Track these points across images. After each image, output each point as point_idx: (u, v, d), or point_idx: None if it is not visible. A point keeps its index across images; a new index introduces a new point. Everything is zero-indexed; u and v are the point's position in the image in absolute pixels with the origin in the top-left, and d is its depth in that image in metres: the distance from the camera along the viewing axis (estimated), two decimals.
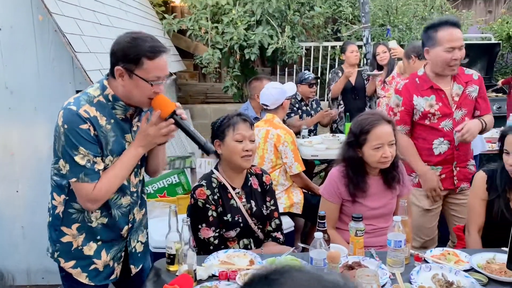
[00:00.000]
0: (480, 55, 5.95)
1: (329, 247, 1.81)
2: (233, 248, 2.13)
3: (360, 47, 6.30)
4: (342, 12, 6.36)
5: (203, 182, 2.13)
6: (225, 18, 5.73)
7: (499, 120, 4.09)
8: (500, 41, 6.50)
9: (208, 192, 2.10)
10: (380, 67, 4.65)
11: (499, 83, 5.72)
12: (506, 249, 1.73)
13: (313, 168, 4.49)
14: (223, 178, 2.17)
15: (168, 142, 1.81)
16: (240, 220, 2.15)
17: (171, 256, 1.82)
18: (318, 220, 1.82)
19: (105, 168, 1.66)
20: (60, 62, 2.88)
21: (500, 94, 5.53)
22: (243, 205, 2.18)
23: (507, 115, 5.00)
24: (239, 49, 5.73)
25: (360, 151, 2.16)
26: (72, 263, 1.74)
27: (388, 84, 4.53)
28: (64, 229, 1.72)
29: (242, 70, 6.15)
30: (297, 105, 4.47)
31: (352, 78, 4.69)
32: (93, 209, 1.69)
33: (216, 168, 2.23)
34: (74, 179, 1.62)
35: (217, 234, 2.09)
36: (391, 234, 1.81)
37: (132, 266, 1.87)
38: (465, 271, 1.78)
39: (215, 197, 2.11)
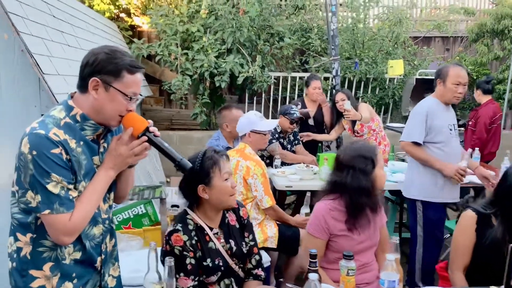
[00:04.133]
0: None
1: None
2: None
3: (326, 79, 6.41)
4: (311, 44, 6.48)
5: (179, 226, 1.94)
6: (196, 45, 5.69)
7: None
8: None
9: (185, 238, 1.92)
10: (339, 114, 4.52)
11: None
12: None
13: (284, 199, 4.41)
14: (199, 219, 2.00)
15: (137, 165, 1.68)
16: (221, 264, 1.99)
17: None
18: (309, 259, 1.72)
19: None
20: (25, 84, 2.69)
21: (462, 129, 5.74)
22: (222, 246, 2.02)
23: (465, 149, 5.15)
24: (209, 77, 5.67)
25: (371, 177, 2.12)
26: None
27: (360, 131, 4.50)
28: (33, 272, 1.52)
29: (211, 97, 6.09)
30: (276, 135, 4.38)
31: (311, 112, 4.67)
32: (68, 243, 1.51)
33: (189, 207, 2.05)
34: (47, 211, 1.43)
35: (196, 282, 1.92)
36: (384, 273, 1.74)
37: None
38: None
39: (193, 241, 1.94)
